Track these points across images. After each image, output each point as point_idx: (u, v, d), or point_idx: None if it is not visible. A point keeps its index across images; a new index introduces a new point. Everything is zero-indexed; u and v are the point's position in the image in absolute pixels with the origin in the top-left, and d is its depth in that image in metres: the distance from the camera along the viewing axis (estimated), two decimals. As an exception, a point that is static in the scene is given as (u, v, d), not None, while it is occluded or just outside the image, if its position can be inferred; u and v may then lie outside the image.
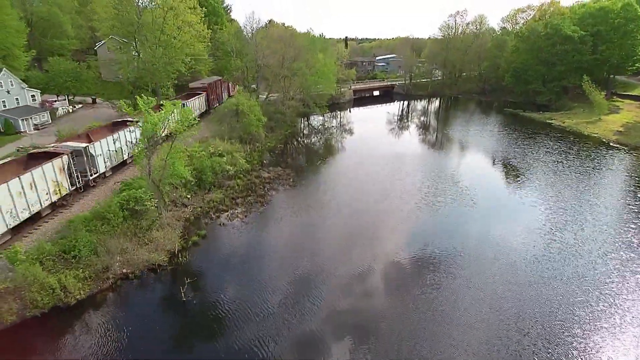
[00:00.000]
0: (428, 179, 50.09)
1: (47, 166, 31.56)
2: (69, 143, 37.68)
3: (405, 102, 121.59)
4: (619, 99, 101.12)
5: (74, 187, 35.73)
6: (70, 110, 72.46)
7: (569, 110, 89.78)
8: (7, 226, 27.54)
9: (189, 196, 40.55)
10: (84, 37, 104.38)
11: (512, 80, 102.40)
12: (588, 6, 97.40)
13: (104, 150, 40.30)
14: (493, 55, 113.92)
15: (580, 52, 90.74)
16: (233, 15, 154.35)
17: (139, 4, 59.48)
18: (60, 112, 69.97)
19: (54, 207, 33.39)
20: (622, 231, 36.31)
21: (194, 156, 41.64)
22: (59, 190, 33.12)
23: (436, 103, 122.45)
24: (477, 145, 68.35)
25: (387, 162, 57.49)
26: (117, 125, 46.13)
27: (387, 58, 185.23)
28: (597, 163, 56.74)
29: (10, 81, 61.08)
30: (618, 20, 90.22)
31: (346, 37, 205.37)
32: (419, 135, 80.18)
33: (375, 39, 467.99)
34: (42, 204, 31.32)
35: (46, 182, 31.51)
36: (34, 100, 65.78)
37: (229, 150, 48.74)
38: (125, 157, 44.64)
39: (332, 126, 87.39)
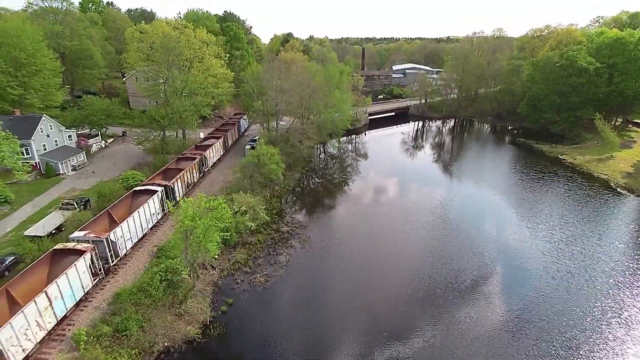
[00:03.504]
0: (440, 226, 54.49)
1: (71, 271, 32.80)
2: (91, 235, 37.86)
3: (420, 124, 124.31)
4: (635, 128, 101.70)
5: (96, 279, 36.45)
6: (103, 146, 77.85)
7: (582, 144, 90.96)
8: (34, 342, 29.21)
9: (216, 257, 44.84)
10: (112, 62, 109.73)
11: (526, 108, 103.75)
12: (605, 36, 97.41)
13: (125, 233, 40.76)
14: (509, 81, 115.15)
15: (595, 84, 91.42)
16: (253, 30, 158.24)
17: (169, 63, 63.50)
18: (94, 148, 75.40)
19: (78, 304, 34.23)
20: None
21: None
22: (82, 287, 34.41)
23: (451, 125, 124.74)
24: (488, 186, 71.41)
25: (400, 206, 62.45)
26: (138, 196, 47.48)
27: (404, 69, 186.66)
28: (602, 214, 58.72)
29: (50, 125, 66.37)
30: (635, 53, 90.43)
31: (363, 49, 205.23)
32: (433, 169, 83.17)
33: (392, 38, 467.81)
34: (67, 307, 32.51)
35: (70, 285, 32.75)
36: (70, 139, 71.14)
37: (251, 204, 52.64)
38: (146, 230, 45.67)
39: (347, 156, 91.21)
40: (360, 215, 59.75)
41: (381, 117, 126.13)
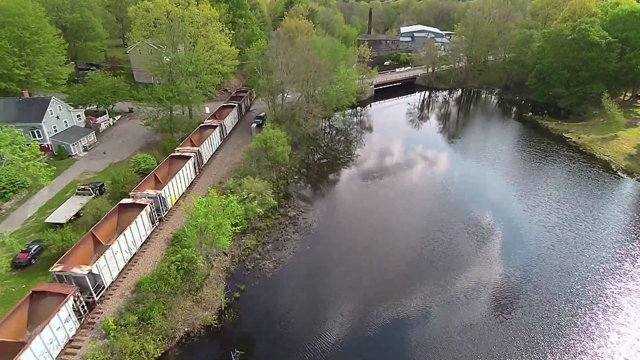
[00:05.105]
0: (441, 206, 57.48)
1: (54, 321, 30.75)
2: (73, 270, 34.87)
3: (427, 95, 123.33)
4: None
5: (80, 320, 34.12)
6: (111, 124, 78.85)
7: (587, 121, 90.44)
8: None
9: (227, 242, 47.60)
10: (114, 31, 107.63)
11: (535, 81, 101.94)
12: (620, 8, 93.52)
13: (110, 261, 38.13)
14: (519, 51, 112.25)
15: (606, 59, 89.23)
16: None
17: (174, 44, 62.91)
18: (102, 126, 76.49)
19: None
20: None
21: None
22: (67, 335, 32.40)
23: (457, 96, 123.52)
24: (490, 165, 73.13)
25: (402, 183, 66.12)
26: (125, 210, 44.62)
27: (412, 32, 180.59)
28: (599, 198, 60.30)
29: (59, 107, 67.18)
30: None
31: (370, 10, 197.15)
32: (437, 145, 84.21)
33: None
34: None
35: (54, 335, 30.82)
36: (79, 119, 72.11)
37: (259, 189, 54.40)
38: (135, 250, 42.71)
39: (352, 130, 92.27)
40: (364, 194, 62.62)
41: (387, 88, 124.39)
